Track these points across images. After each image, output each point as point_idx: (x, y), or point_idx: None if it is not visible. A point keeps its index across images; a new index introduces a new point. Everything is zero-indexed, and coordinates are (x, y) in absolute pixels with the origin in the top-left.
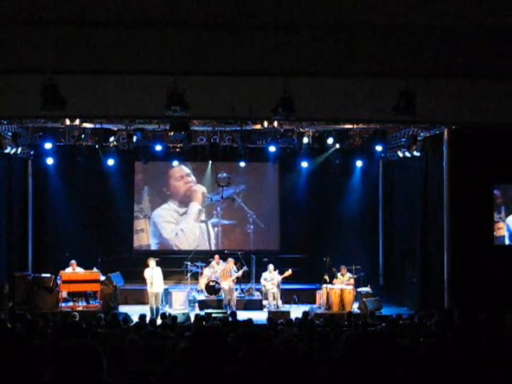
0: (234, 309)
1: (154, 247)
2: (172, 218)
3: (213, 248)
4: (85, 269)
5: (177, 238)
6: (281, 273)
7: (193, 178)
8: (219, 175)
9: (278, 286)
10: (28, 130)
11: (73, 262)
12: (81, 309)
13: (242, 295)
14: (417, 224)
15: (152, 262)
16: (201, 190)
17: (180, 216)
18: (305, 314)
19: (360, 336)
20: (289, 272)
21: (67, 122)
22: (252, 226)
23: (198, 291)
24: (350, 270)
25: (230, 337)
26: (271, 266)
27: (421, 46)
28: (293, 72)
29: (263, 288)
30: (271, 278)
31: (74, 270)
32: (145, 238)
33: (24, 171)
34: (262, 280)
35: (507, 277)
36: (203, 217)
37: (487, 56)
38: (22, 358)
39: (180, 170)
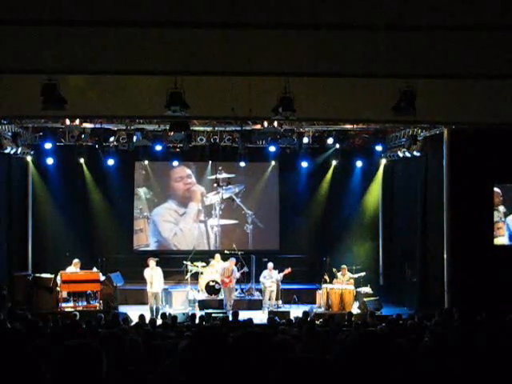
0: (231, 309)
1: (153, 247)
2: (171, 218)
3: (212, 248)
4: (85, 269)
5: (176, 237)
6: (281, 272)
7: (193, 178)
8: (219, 175)
9: (277, 284)
10: (28, 129)
11: (76, 260)
12: (81, 309)
13: (242, 295)
14: (417, 224)
15: (152, 262)
16: (200, 190)
17: (179, 216)
18: (305, 313)
19: (360, 336)
20: (288, 270)
21: (67, 121)
22: (251, 226)
23: (198, 291)
24: (350, 270)
25: (230, 337)
26: (270, 265)
27: (421, 46)
28: (293, 72)
29: (262, 286)
30: (270, 277)
31: (76, 269)
32: (144, 238)
33: (24, 171)
34: (261, 278)
35: (507, 277)
36: (202, 217)
37: (488, 56)
38: (22, 358)
39: (180, 171)
